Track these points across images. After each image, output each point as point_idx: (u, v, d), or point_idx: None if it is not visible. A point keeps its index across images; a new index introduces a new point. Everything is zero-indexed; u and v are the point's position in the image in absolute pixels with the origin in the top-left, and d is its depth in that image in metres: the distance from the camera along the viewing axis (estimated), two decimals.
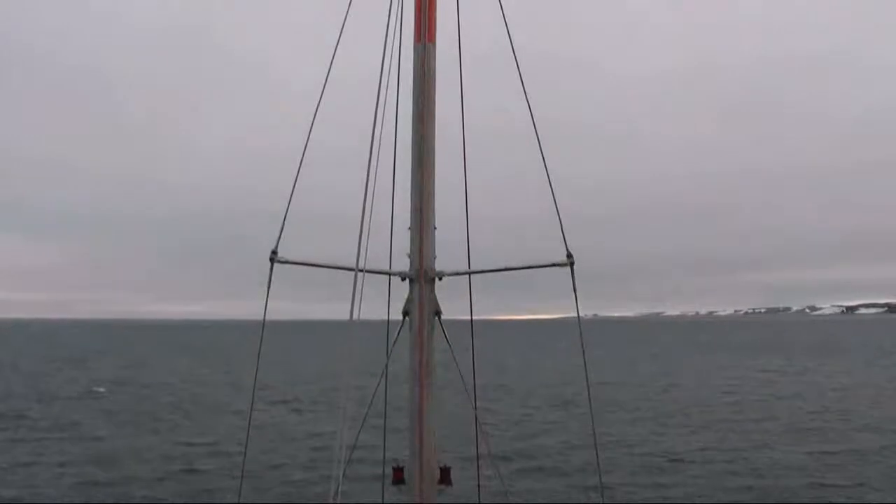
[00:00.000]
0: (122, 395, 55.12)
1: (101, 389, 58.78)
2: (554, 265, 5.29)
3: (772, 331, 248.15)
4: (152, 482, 26.40)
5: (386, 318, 5.80)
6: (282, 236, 5.16)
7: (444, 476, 5.27)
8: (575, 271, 5.31)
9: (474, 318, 6.10)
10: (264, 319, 5.47)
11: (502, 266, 5.50)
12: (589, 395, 6.34)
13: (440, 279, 5.31)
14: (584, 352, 5.96)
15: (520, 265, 5.44)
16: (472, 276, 5.66)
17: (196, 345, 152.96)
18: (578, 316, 5.59)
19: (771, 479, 27.14)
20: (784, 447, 33.17)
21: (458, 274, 5.46)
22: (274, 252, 5.09)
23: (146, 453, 31.66)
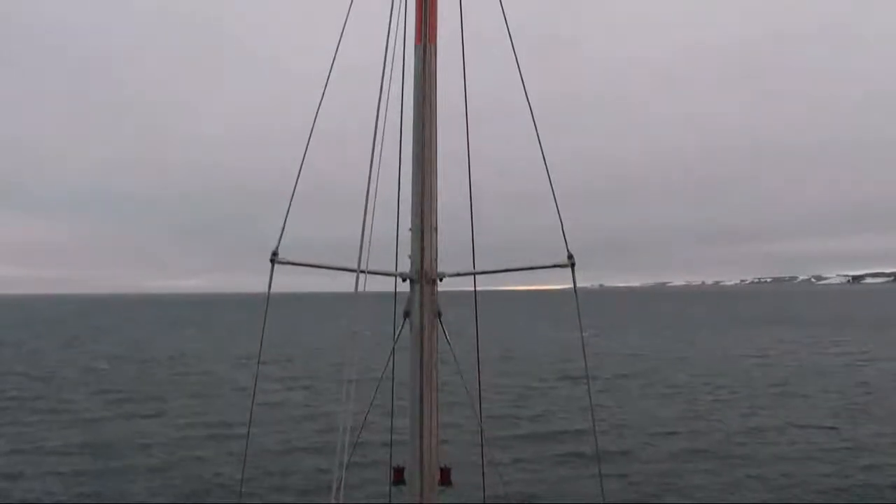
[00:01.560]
0: (123, 372, 55.32)
1: (105, 366, 59.01)
2: (555, 266, 5.29)
3: (780, 301, 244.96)
4: (152, 466, 26.09)
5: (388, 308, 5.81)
6: (282, 237, 5.14)
7: (445, 476, 5.29)
8: (576, 271, 5.31)
9: (476, 313, 6.07)
10: (265, 321, 5.46)
11: (504, 267, 5.50)
12: (590, 394, 6.38)
13: (441, 280, 5.31)
14: (584, 352, 5.98)
15: (521, 266, 5.44)
16: (475, 277, 5.66)
17: (197, 319, 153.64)
18: (579, 317, 5.62)
19: (792, 465, 25.53)
20: (818, 426, 32.02)
21: (459, 275, 5.46)
22: (274, 253, 5.05)
23: (147, 435, 31.39)
